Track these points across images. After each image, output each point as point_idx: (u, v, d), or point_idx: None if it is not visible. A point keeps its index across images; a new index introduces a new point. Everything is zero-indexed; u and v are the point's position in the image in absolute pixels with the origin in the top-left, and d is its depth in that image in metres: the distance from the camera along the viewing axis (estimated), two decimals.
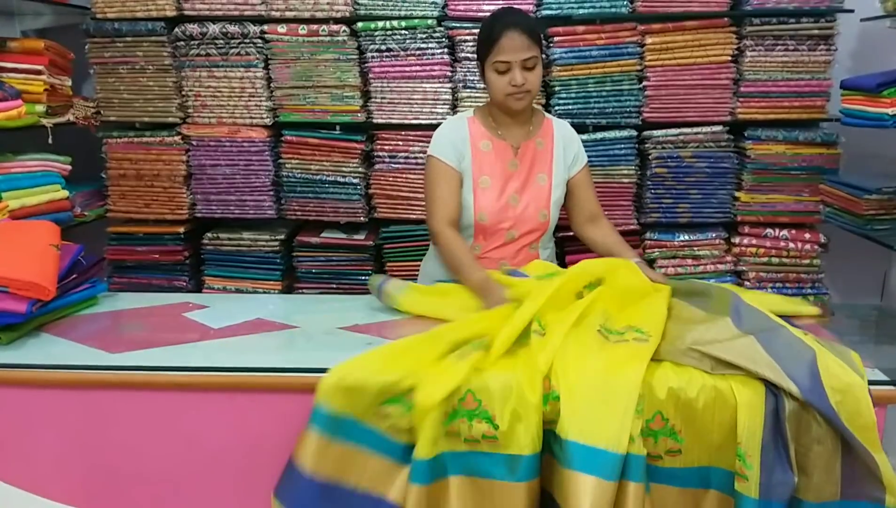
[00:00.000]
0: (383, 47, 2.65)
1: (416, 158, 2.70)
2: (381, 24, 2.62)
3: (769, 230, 2.69)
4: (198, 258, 2.88)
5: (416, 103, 2.68)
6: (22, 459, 1.49)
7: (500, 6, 2.58)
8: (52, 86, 2.64)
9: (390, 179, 2.74)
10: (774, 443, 1.27)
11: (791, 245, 2.67)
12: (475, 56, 2.60)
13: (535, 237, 1.99)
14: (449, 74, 2.66)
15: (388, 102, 2.71)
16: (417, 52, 2.64)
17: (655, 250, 2.72)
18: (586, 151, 2.60)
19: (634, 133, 2.67)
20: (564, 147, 2.01)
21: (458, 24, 2.63)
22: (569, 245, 2.74)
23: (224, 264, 2.84)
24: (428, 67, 2.65)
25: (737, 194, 2.70)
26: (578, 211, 2.05)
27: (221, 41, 2.66)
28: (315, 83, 2.69)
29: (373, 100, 2.72)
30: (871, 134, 2.42)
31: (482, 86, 2.64)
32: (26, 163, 2.55)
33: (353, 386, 1.32)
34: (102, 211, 2.87)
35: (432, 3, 2.62)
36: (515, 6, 2.40)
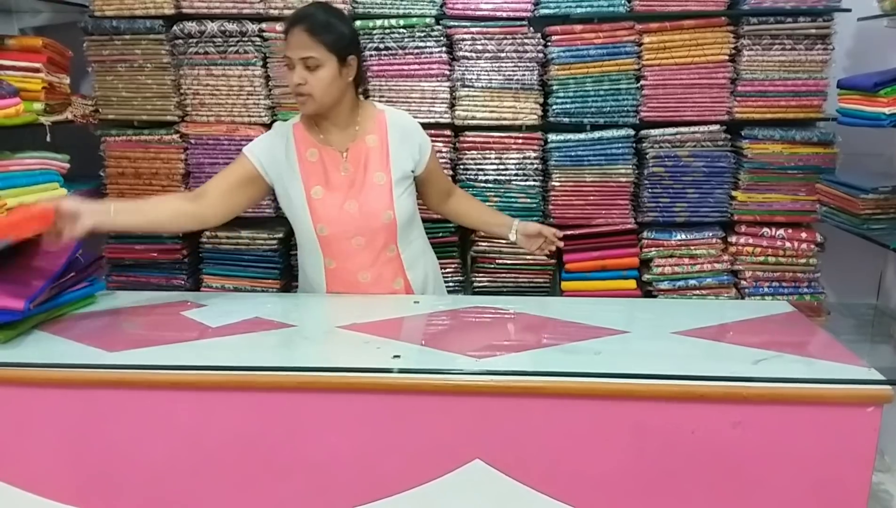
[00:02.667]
0: (381, 46, 2.65)
1: None
2: (379, 22, 2.62)
3: (766, 229, 2.69)
4: (196, 257, 2.88)
5: (415, 102, 2.68)
6: (19, 458, 1.49)
7: (495, 5, 2.61)
8: (51, 84, 2.63)
9: None
10: None
11: (787, 244, 2.68)
12: (474, 55, 2.63)
13: (386, 239, 1.90)
14: (447, 72, 2.66)
15: (387, 101, 2.70)
16: (415, 50, 2.65)
17: (652, 249, 2.73)
18: (584, 150, 2.66)
19: (632, 132, 2.67)
20: (401, 140, 1.91)
21: (456, 23, 2.63)
22: (566, 245, 2.74)
23: (222, 262, 2.84)
24: (426, 66, 2.65)
25: (734, 193, 2.70)
26: (433, 193, 2.06)
27: (220, 39, 2.66)
28: None
29: (371, 98, 2.72)
30: (867, 133, 2.43)
31: (481, 85, 2.66)
32: (24, 161, 2.54)
33: None
34: None
35: (430, 1, 2.62)
36: (324, 3, 2.07)
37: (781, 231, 2.68)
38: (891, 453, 2.54)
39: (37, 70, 2.57)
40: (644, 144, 2.68)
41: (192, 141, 2.75)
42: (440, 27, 2.63)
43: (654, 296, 2.73)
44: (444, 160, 2.66)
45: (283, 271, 2.84)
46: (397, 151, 1.90)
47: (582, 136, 2.66)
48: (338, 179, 1.87)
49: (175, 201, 1.92)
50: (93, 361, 1.48)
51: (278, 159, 1.89)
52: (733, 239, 2.72)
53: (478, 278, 2.76)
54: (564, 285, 2.73)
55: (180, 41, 2.67)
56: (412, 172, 1.95)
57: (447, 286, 2.48)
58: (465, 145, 2.70)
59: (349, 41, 1.82)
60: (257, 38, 2.66)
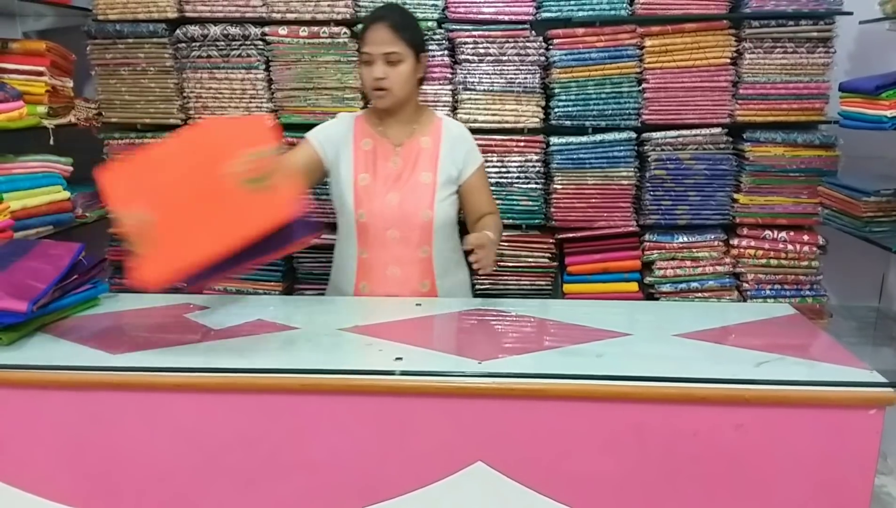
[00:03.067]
0: None
1: None
2: None
3: (768, 232, 2.69)
4: None
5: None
6: (23, 460, 1.49)
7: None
8: (54, 87, 2.64)
9: None
10: None
11: (790, 247, 2.68)
12: (476, 59, 2.64)
13: (420, 238, 1.94)
14: (449, 75, 2.67)
15: None
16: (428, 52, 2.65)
17: (654, 251, 2.73)
18: (585, 153, 2.66)
19: (633, 135, 2.67)
20: (452, 147, 1.98)
21: (458, 27, 2.64)
22: (568, 248, 2.75)
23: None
24: (428, 69, 2.64)
25: (735, 195, 2.70)
26: (472, 213, 2.04)
27: (223, 43, 2.67)
28: (316, 85, 2.70)
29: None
30: (869, 136, 2.43)
31: (483, 88, 2.66)
32: (28, 164, 2.55)
33: None
34: (104, 212, 2.87)
35: (432, 5, 2.63)
36: (398, 4, 2.22)
37: (783, 234, 2.68)
38: (893, 455, 2.53)
39: (40, 74, 2.58)
40: (646, 147, 2.68)
41: None
42: (442, 31, 2.64)
43: (656, 299, 2.73)
44: None
45: (286, 274, 2.84)
46: (446, 155, 1.97)
47: (584, 139, 2.66)
48: (386, 170, 1.94)
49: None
50: (96, 363, 1.48)
51: (337, 144, 1.96)
52: (735, 242, 2.72)
53: (479, 281, 2.76)
54: (566, 287, 2.73)
55: (183, 45, 2.68)
56: (456, 180, 1.99)
57: None
58: None
59: (422, 40, 1.97)
60: (260, 42, 2.67)
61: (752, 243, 2.70)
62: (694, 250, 2.72)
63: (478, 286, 2.80)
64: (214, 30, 2.64)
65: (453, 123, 2.04)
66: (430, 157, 1.96)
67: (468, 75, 2.66)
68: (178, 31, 2.66)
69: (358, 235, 1.95)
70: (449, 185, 1.96)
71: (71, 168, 2.70)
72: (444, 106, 2.68)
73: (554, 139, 2.68)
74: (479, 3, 2.62)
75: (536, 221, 2.73)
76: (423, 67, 1.95)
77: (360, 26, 2.61)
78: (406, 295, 1.95)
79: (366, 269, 1.97)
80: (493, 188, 2.67)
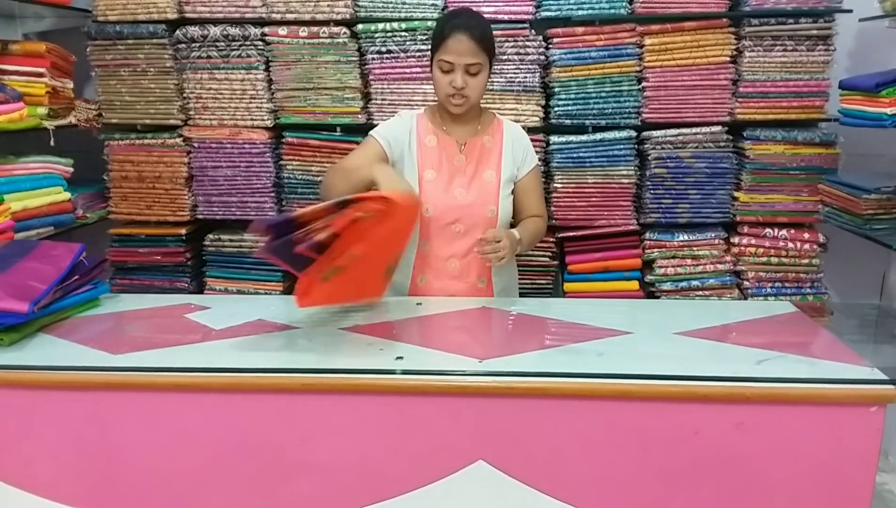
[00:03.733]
0: (384, 49, 2.66)
1: None
2: (381, 25, 2.63)
3: (768, 230, 2.69)
4: (199, 260, 2.88)
5: (417, 105, 2.68)
6: (24, 461, 1.49)
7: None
8: (54, 88, 2.65)
9: None
10: None
11: (790, 245, 2.68)
12: None
13: (483, 233, 1.94)
14: None
15: (389, 104, 2.71)
16: (418, 53, 2.65)
17: (655, 250, 2.73)
18: (586, 151, 2.66)
19: (634, 134, 2.67)
20: (513, 145, 2.00)
21: None
22: (568, 246, 2.75)
23: (225, 265, 2.85)
24: (428, 69, 2.65)
25: (736, 194, 2.71)
26: (521, 212, 2.04)
27: (222, 43, 2.67)
28: (316, 85, 2.70)
29: (373, 101, 2.73)
30: (869, 134, 2.43)
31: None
32: (28, 165, 2.56)
33: None
34: (104, 213, 2.88)
35: (432, 4, 2.63)
36: (470, 9, 2.21)
37: (784, 232, 2.68)
38: (894, 452, 2.53)
39: (40, 75, 2.59)
40: (646, 146, 2.68)
41: (196, 144, 2.76)
42: None
43: (657, 297, 2.73)
44: None
45: (287, 274, 2.84)
46: (508, 154, 1.99)
47: (584, 137, 2.66)
48: (451, 167, 1.96)
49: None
50: (97, 363, 1.48)
51: (401, 141, 1.97)
52: (736, 240, 2.72)
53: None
54: (567, 286, 2.73)
55: (183, 45, 2.68)
56: (515, 177, 2.01)
57: None
58: None
59: (494, 45, 1.94)
60: (260, 42, 2.67)
61: (753, 241, 2.70)
62: (694, 249, 2.72)
63: None
64: (214, 30, 2.65)
65: (512, 125, 2.06)
66: (493, 155, 1.98)
67: None
68: (177, 31, 2.66)
69: (421, 228, 1.96)
70: (509, 183, 1.99)
71: (71, 169, 2.71)
72: None
73: (554, 138, 2.68)
74: (479, 2, 2.62)
75: None
76: (490, 70, 1.95)
77: (359, 26, 2.63)
78: (462, 291, 1.96)
79: (425, 261, 1.98)
80: None
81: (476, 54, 1.84)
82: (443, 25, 1.89)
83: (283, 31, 2.65)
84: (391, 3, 2.63)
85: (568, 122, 2.68)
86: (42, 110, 2.60)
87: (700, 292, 2.72)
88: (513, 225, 2.04)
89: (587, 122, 2.67)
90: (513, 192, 2.02)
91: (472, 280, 1.97)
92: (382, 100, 2.72)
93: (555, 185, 2.70)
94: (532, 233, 2.00)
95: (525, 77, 2.65)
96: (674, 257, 2.73)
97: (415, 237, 1.97)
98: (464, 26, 1.84)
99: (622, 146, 2.67)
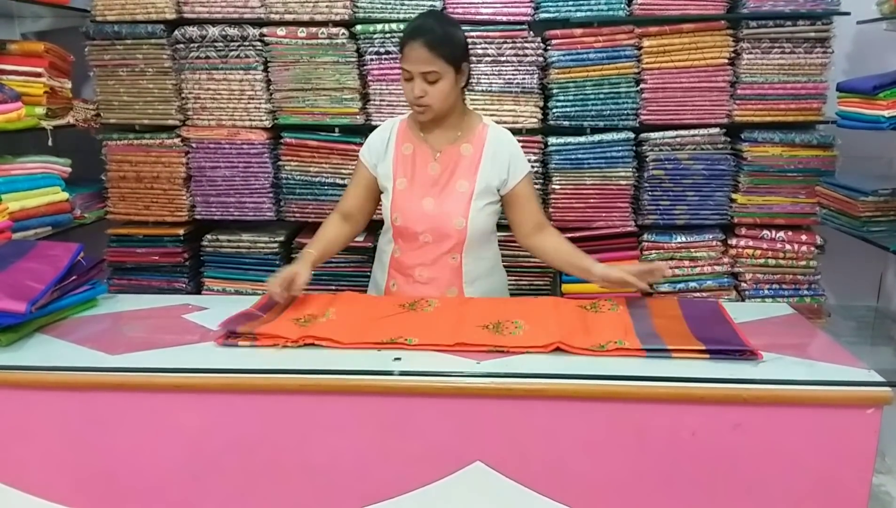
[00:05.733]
0: (382, 50, 2.66)
1: None
2: (379, 26, 2.63)
3: (766, 232, 2.70)
4: (197, 260, 2.88)
5: None
6: (21, 461, 1.49)
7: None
8: (52, 88, 2.64)
9: None
10: None
11: (787, 247, 2.68)
12: (474, 59, 2.64)
13: (451, 245, 1.92)
14: None
15: (387, 105, 2.72)
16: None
17: (653, 251, 2.73)
18: (584, 153, 2.66)
19: (632, 135, 2.68)
20: (494, 155, 1.92)
21: None
22: None
23: (223, 265, 2.85)
24: None
25: (733, 195, 2.71)
26: (522, 223, 1.98)
27: (221, 44, 2.67)
28: (314, 86, 2.70)
29: (372, 102, 2.73)
30: (867, 136, 2.43)
31: (481, 88, 2.67)
32: (26, 165, 2.55)
33: None
34: (102, 213, 2.88)
35: (430, 5, 2.63)
36: (437, 13, 2.21)
37: (781, 234, 2.69)
38: (891, 454, 2.54)
39: (38, 75, 2.59)
40: (644, 148, 2.68)
41: (194, 145, 2.76)
42: None
43: None
44: None
45: None
46: (487, 164, 1.92)
47: (582, 139, 2.66)
48: (423, 176, 1.93)
49: (339, 228, 2.03)
50: (94, 364, 1.48)
51: (378, 150, 1.98)
52: (733, 242, 2.72)
53: None
54: (565, 287, 2.73)
55: (181, 45, 2.68)
56: (498, 190, 1.95)
57: None
58: None
59: (463, 50, 1.89)
60: (258, 43, 2.67)
61: (751, 243, 2.71)
62: (692, 250, 2.72)
63: None
64: (213, 31, 2.64)
65: (499, 131, 1.98)
66: (470, 165, 1.92)
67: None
68: (176, 32, 2.66)
69: (395, 235, 1.97)
70: (487, 194, 1.92)
71: (69, 169, 2.70)
72: None
73: (552, 139, 2.68)
74: (477, 3, 2.63)
75: None
76: (464, 76, 1.89)
77: (358, 27, 2.63)
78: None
79: (397, 267, 1.99)
80: None
81: (431, 62, 1.78)
82: (404, 32, 1.86)
83: (281, 31, 2.65)
84: (390, 3, 2.63)
85: (566, 123, 2.68)
86: (40, 110, 2.60)
87: (698, 294, 2.72)
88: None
89: (585, 123, 2.67)
90: (503, 202, 1.97)
91: (441, 291, 1.94)
92: (381, 101, 2.72)
93: (553, 186, 2.70)
94: (573, 247, 1.94)
95: (523, 78, 2.65)
96: (671, 259, 2.73)
97: (390, 242, 1.99)
98: (418, 34, 1.79)
99: (620, 148, 2.67)
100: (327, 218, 2.05)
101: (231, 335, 1.59)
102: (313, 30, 2.64)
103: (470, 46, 2.60)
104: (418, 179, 1.93)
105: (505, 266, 2.72)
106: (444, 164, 1.93)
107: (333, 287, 2.81)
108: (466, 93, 2.67)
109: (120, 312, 1.84)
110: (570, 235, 2.70)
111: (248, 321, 1.64)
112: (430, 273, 1.94)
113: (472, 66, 2.63)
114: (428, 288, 1.94)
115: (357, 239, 2.81)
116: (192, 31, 2.65)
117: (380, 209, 2.04)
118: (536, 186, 2.70)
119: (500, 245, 2.54)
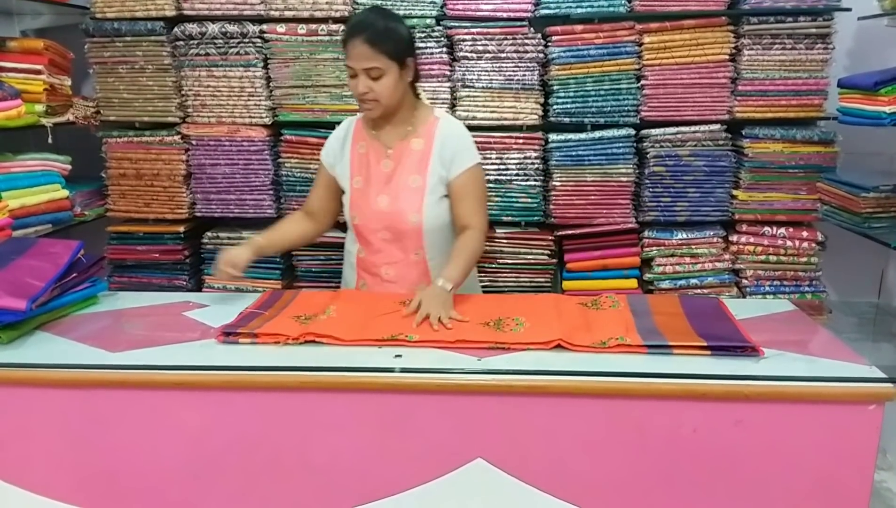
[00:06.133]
0: None
1: None
2: None
3: (767, 228, 2.69)
4: (198, 257, 2.88)
5: None
6: (22, 458, 1.49)
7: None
8: (52, 85, 2.64)
9: None
10: None
11: (789, 243, 2.68)
12: (474, 56, 2.64)
13: (412, 242, 1.92)
14: (448, 73, 2.67)
15: None
16: (416, 51, 2.64)
17: (653, 248, 2.73)
18: (584, 150, 2.66)
19: (632, 132, 2.67)
20: (443, 146, 1.90)
21: (456, 24, 2.63)
22: (567, 245, 2.75)
23: None
24: (427, 67, 2.65)
25: (734, 192, 2.70)
26: (455, 218, 1.93)
27: (221, 41, 2.67)
28: (314, 83, 2.70)
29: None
30: (868, 132, 2.43)
31: (481, 85, 2.66)
32: (26, 162, 2.55)
33: None
34: (102, 210, 2.88)
35: (431, 2, 2.62)
36: (380, 7, 2.13)
37: (783, 230, 2.68)
38: (893, 450, 2.54)
39: (38, 72, 2.58)
40: (645, 144, 2.68)
41: (194, 142, 2.75)
42: (441, 28, 2.64)
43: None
44: None
45: (285, 272, 2.84)
46: (436, 157, 1.91)
47: (583, 135, 2.66)
48: (377, 174, 1.93)
49: (297, 223, 2.08)
50: (95, 361, 1.48)
51: (336, 151, 2.00)
52: (734, 238, 2.72)
53: (479, 278, 2.76)
54: (566, 284, 2.73)
55: (181, 43, 2.68)
56: (446, 179, 1.92)
57: None
58: None
59: (407, 44, 1.86)
60: (258, 40, 2.67)
61: (752, 240, 2.70)
62: (693, 247, 2.72)
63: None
64: (212, 28, 2.64)
65: (449, 123, 1.95)
66: (421, 159, 1.91)
67: (467, 72, 2.66)
68: (176, 29, 2.66)
69: (357, 236, 1.97)
70: (440, 187, 1.91)
71: (69, 166, 2.70)
72: (443, 103, 2.68)
73: (553, 136, 2.67)
74: (478, 0, 2.62)
75: (535, 218, 2.73)
76: (410, 70, 1.86)
77: None
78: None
79: (363, 266, 1.99)
80: (491, 185, 2.68)
81: (372, 58, 1.76)
82: (345, 28, 1.84)
83: (281, 28, 2.65)
84: (390, 1, 2.63)
85: (567, 120, 2.67)
86: (40, 108, 2.60)
87: (699, 291, 2.72)
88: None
89: (586, 120, 2.67)
90: (447, 196, 1.93)
91: (410, 286, 1.93)
92: None
93: (553, 183, 2.69)
94: (465, 260, 1.83)
95: (524, 75, 2.65)
96: (672, 256, 2.73)
97: (354, 242, 1.99)
98: (359, 30, 1.77)
99: (621, 144, 2.67)
100: (292, 213, 2.08)
101: (231, 332, 1.59)
102: (313, 27, 2.64)
103: (470, 43, 2.62)
104: (373, 177, 1.93)
105: (506, 263, 2.75)
106: (396, 160, 1.92)
107: (334, 284, 2.81)
108: (461, 88, 2.67)
109: (120, 309, 1.84)
110: (570, 231, 2.72)
111: (250, 321, 1.65)
112: (396, 271, 1.94)
113: (471, 62, 2.64)
114: (396, 286, 1.94)
115: None
116: (192, 28, 2.64)
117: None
118: (537, 183, 2.70)
119: (500, 241, 2.53)
